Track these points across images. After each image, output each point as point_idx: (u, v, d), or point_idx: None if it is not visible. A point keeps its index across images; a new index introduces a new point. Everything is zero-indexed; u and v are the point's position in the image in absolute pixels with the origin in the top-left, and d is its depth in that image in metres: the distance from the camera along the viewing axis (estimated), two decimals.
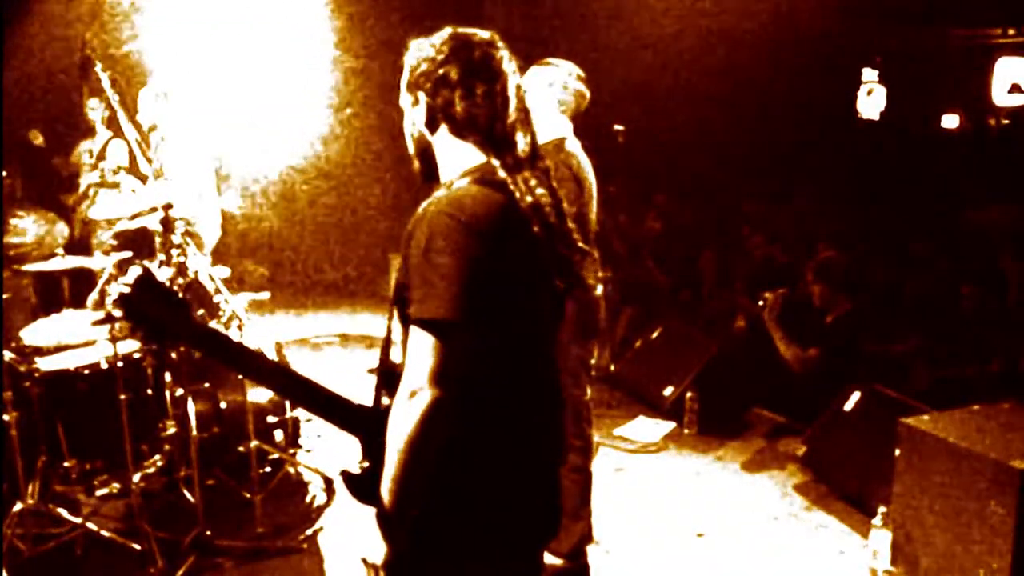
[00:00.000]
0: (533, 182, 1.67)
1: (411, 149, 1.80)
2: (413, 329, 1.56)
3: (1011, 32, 9.13)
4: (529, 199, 1.65)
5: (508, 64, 1.71)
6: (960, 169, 8.98)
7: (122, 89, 4.22)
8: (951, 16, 8.95)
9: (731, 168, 9.23)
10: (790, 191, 8.80)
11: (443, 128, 1.71)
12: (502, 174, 1.65)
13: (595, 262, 3.36)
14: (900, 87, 9.72)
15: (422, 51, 1.72)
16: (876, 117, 9.88)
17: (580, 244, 1.75)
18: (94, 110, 5.95)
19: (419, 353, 1.54)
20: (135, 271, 1.73)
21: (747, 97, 9.11)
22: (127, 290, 1.70)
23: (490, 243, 1.56)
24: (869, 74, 9.83)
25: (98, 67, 4.01)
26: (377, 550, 1.60)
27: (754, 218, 7.60)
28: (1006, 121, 10.26)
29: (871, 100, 9.90)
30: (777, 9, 8.10)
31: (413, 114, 1.76)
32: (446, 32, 1.72)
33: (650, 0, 8.33)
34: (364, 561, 1.63)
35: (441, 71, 1.68)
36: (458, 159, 1.72)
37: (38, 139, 6.67)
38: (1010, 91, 8.74)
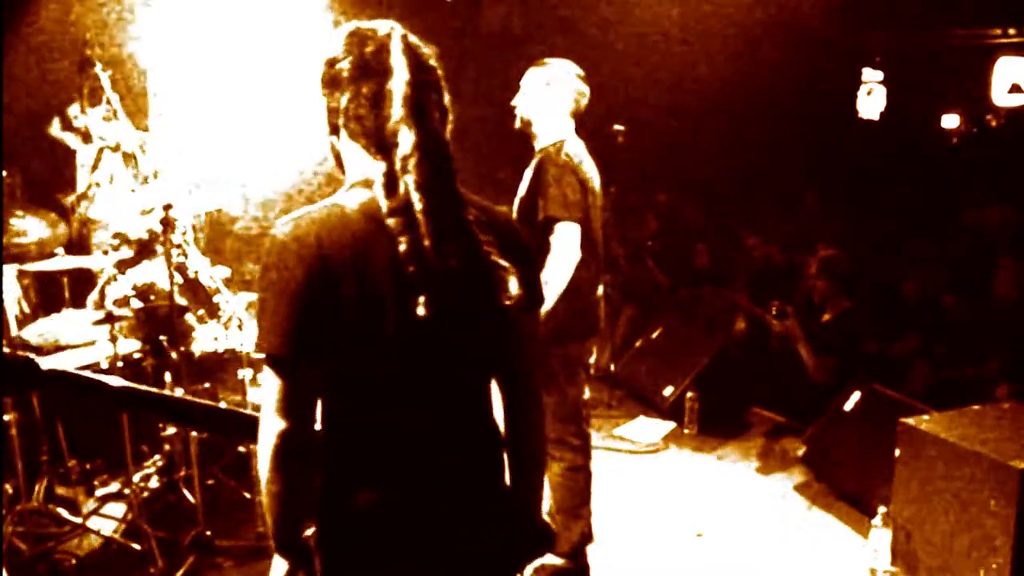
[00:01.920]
0: (416, 195, 1.48)
1: (331, 158, 1.68)
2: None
3: (1011, 32, 9.13)
4: (391, 214, 1.48)
5: (400, 57, 1.52)
6: (960, 169, 8.98)
7: (122, 90, 4.22)
8: (951, 16, 8.95)
9: (730, 168, 9.22)
10: (789, 191, 8.80)
11: (342, 133, 1.59)
12: (377, 188, 1.50)
13: (601, 263, 3.37)
14: (900, 87, 9.71)
15: (323, 52, 1.59)
16: (876, 117, 9.87)
17: (492, 257, 1.54)
18: (78, 117, 5.92)
19: (265, 385, 1.51)
20: None
21: (746, 97, 9.11)
22: None
23: (321, 271, 1.44)
24: (869, 74, 9.82)
25: (98, 67, 4.00)
26: (275, 574, 1.61)
27: (752, 218, 7.60)
28: (1005, 121, 10.25)
29: (871, 100, 9.89)
30: (777, 9, 8.10)
31: (321, 120, 1.64)
32: (344, 28, 1.59)
33: (650, 0, 8.33)
34: None
35: (333, 71, 1.56)
36: (353, 167, 1.60)
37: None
38: (1010, 91, 8.74)
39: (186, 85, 5.39)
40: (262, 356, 1.49)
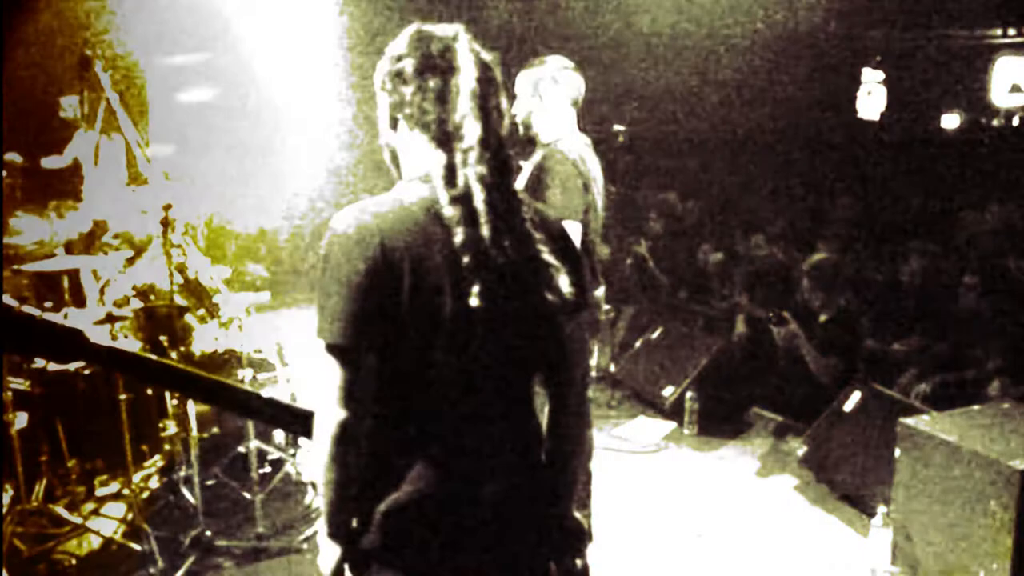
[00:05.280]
0: (477, 186, 1.53)
1: (385, 156, 1.73)
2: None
3: (1011, 32, 9.14)
4: (451, 203, 1.52)
5: (468, 56, 1.58)
6: (960, 169, 8.99)
7: (122, 89, 4.21)
8: (951, 16, 8.96)
9: (731, 168, 9.24)
10: (790, 191, 8.81)
11: (402, 127, 1.63)
12: (436, 180, 1.55)
13: (595, 263, 3.36)
14: (900, 87, 9.73)
15: (387, 51, 1.65)
16: (876, 117, 9.89)
17: (545, 254, 1.59)
18: (69, 108, 5.90)
19: (323, 374, 1.53)
20: None
21: (747, 97, 9.12)
22: None
23: (383, 262, 1.48)
24: (869, 74, 9.84)
25: (98, 66, 4.00)
26: (324, 560, 1.62)
27: (753, 218, 7.60)
28: (1005, 121, 10.26)
29: (871, 100, 9.91)
30: (777, 10, 8.11)
31: (379, 116, 1.69)
32: (411, 28, 1.65)
33: (650, 0, 8.34)
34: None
35: (398, 67, 1.61)
36: (414, 161, 1.63)
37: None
38: (1010, 91, 8.76)
39: (186, 86, 5.39)
40: (323, 345, 1.52)
